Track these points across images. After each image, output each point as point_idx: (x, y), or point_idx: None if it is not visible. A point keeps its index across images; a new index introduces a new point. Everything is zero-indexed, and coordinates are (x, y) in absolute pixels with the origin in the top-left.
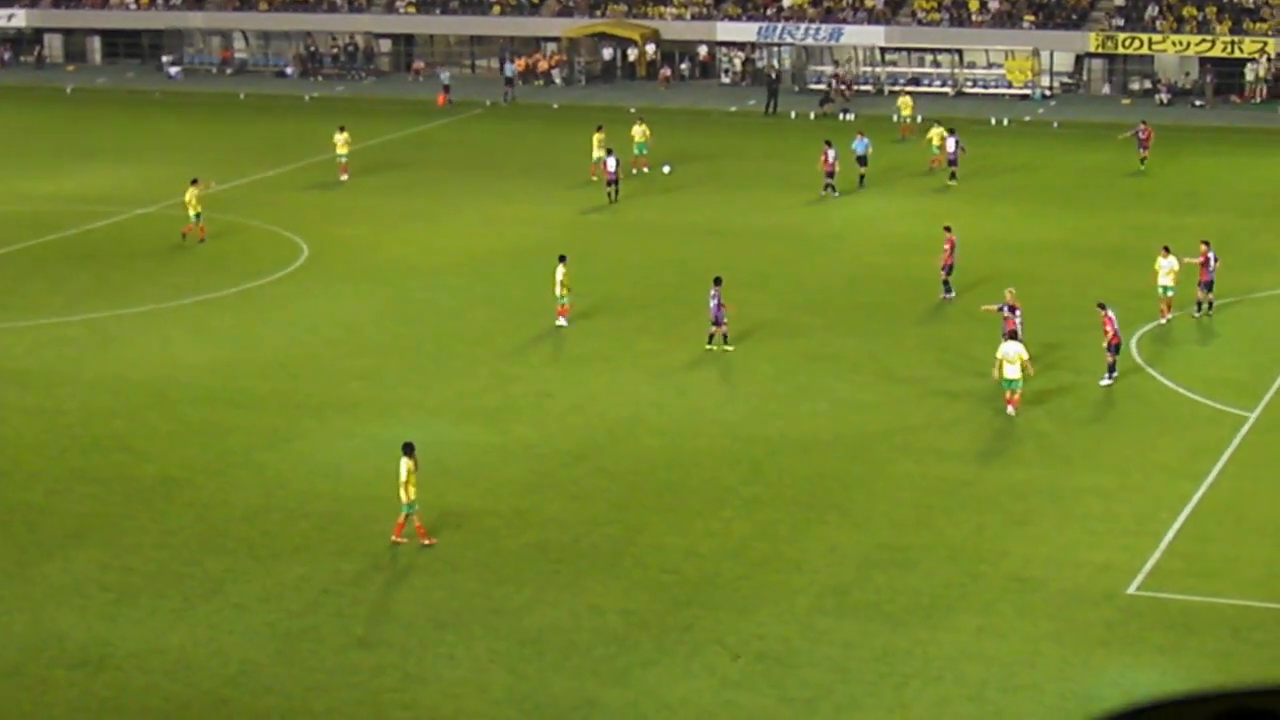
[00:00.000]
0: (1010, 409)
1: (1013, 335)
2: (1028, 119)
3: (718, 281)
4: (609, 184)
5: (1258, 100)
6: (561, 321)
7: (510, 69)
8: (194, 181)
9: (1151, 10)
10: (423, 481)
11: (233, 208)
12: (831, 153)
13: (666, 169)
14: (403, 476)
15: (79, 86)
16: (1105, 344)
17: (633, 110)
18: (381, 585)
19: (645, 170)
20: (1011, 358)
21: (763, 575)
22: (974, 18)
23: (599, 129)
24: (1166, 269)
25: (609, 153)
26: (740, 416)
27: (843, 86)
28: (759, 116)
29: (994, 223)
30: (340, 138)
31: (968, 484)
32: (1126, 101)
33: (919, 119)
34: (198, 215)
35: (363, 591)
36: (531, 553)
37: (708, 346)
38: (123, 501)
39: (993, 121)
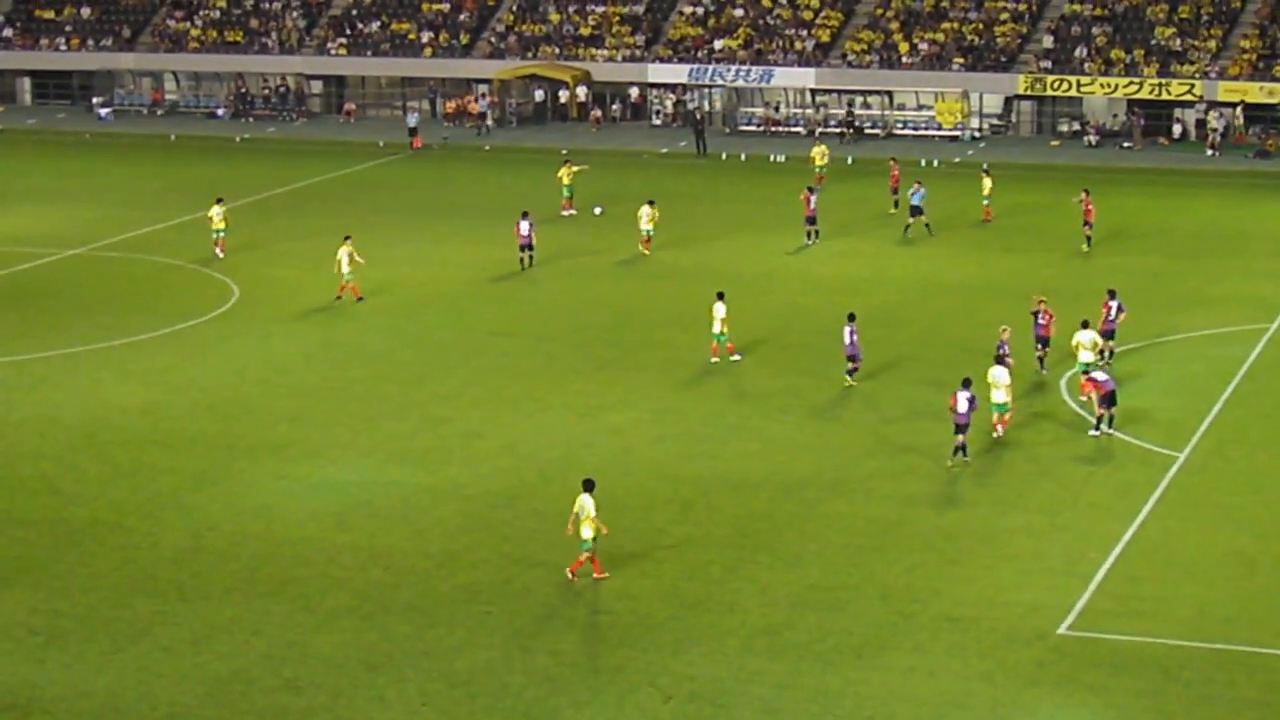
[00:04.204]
0: (998, 429)
1: (1001, 361)
2: (957, 160)
3: (851, 318)
4: (522, 249)
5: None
6: (736, 357)
7: (484, 104)
8: (346, 238)
9: (1080, 52)
10: (352, 524)
11: (163, 249)
12: (813, 198)
13: (598, 210)
14: (591, 513)
15: (8, 127)
16: (1096, 396)
17: (564, 152)
18: (312, 627)
19: (574, 212)
20: (999, 383)
21: (694, 616)
22: (904, 60)
23: (566, 161)
24: (1089, 342)
25: (524, 215)
26: (671, 456)
27: (850, 125)
28: (691, 158)
29: (924, 264)
30: (216, 210)
31: (899, 524)
32: (1055, 143)
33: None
34: (350, 273)
35: (293, 634)
36: (463, 594)
37: (848, 383)
38: (51, 544)
39: (923, 163)
